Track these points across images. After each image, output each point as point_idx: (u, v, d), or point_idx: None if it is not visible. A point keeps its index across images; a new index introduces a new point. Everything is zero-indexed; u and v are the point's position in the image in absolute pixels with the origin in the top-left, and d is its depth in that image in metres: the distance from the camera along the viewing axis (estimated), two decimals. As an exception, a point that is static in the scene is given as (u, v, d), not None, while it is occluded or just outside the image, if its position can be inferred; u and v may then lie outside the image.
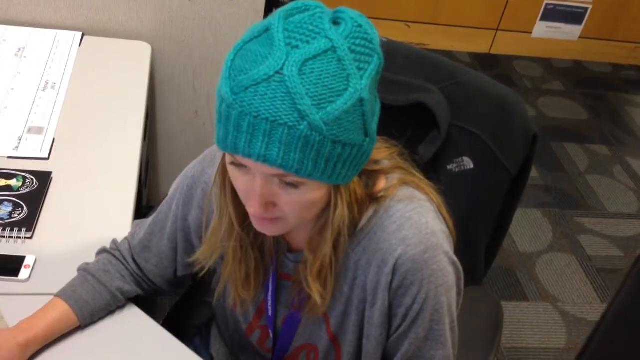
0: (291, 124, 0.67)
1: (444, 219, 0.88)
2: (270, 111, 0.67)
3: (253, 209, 0.77)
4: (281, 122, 0.67)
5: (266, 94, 0.67)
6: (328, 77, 0.68)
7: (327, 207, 0.80)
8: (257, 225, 0.82)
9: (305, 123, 0.67)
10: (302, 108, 0.67)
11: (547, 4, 3.47)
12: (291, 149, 0.68)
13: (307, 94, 0.67)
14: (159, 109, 1.92)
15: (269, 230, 0.82)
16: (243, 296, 0.95)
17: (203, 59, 1.83)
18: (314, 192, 0.75)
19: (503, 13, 3.48)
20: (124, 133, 1.41)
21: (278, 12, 0.72)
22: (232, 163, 0.76)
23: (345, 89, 0.69)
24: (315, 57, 0.68)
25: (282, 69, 0.67)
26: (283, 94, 0.67)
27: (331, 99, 0.68)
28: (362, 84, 0.70)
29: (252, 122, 0.68)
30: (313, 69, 0.68)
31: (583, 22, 3.56)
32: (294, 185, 0.74)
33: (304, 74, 0.67)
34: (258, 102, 0.67)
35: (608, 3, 3.49)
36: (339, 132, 0.70)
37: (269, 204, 0.77)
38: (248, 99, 0.68)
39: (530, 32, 3.57)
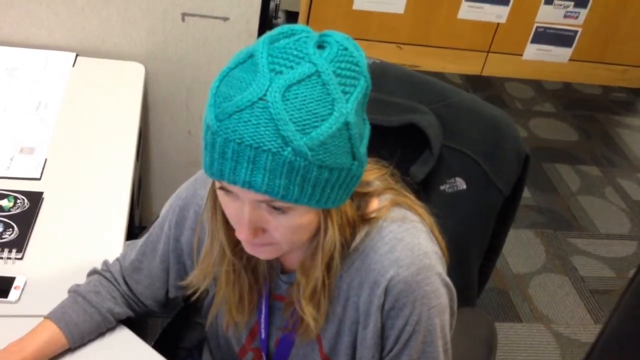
0: (275, 150, 0.67)
1: (437, 239, 0.88)
2: (254, 138, 0.67)
3: (243, 235, 0.76)
4: (265, 148, 0.67)
5: (250, 121, 0.67)
6: (312, 102, 0.68)
7: (319, 230, 0.80)
8: (249, 250, 0.81)
9: (289, 149, 0.67)
10: (285, 134, 0.66)
11: (537, 27, 3.51)
12: (276, 175, 0.68)
13: (290, 119, 0.67)
14: (152, 129, 1.92)
15: (261, 253, 0.82)
16: (237, 319, 0.94)
17: (196, 79, 1.83)
18: (302, 217, 0.75)
19: (494, 35, 3.52)
20: (116, 153, 1.41)
21: (263, 38, 0.71)
22: (221, 188, 0.75)
23: (330, 113, 0.68)
24: (299, 82, 0.68)
25: (265, 95, 0.67)
26: (266, 120, 0.67)
27: (315, 123, 0.68)
28: (347, 107, 0.70)
29: (236, 148, 0.68)
30: (297, 94, 0.67)
31: (573, 45, 3.60)
32: (282, 211, 0.73)
33: (288, 99, 0.67)
34: (242, 129, 0.67)
35: (597, 26, 3.54)
36: (324, 157, 0.69)
37: (258, 230, 0.76)
38: (232, 125, 0.68)
39: (521, 54, 3.61)
